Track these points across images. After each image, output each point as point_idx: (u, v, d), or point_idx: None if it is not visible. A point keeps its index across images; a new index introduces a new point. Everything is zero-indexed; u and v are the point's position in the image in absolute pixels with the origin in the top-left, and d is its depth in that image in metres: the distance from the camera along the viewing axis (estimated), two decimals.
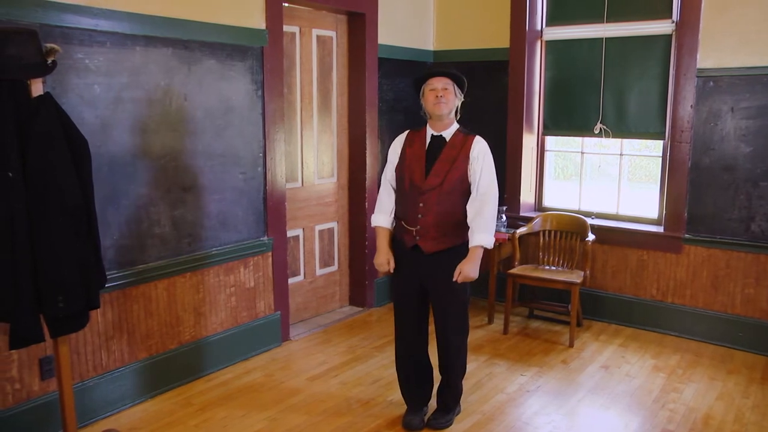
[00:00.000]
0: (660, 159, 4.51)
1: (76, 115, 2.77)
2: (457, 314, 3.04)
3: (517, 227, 4.65)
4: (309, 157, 4.46)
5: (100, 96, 3.02)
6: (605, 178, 4.98)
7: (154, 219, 3.34)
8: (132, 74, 3.15)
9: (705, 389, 3.59)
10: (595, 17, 4.53)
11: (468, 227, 2.92)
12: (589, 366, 3.89)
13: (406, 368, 3.16)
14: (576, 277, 4.25)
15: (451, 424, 3.15)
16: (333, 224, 4.75)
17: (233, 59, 3.63)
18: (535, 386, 3.61)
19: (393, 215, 3.09)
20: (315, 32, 4.39)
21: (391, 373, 3.56)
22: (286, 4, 4.00)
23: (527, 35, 4.74)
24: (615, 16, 4.46)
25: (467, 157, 2.90)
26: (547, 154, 5.04)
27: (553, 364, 3.92)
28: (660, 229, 4.43)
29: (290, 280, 4.34)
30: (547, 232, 4.64)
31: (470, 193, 2.93)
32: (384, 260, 3.08)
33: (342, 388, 3.55)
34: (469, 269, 2.89)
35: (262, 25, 3.78)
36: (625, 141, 4.65)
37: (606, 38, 4.51)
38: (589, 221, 4.51)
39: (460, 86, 2.97)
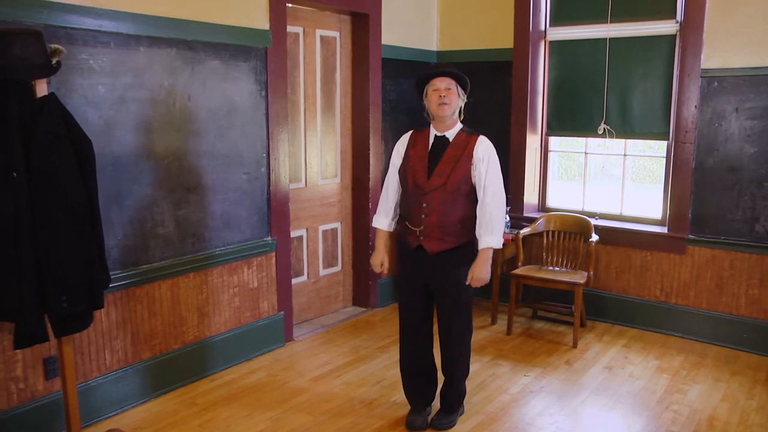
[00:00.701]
0: (664, 159, 4.49)
1: (80, 116, 2.78)
2: (460, 315, 3.03)
3: (521, 228, 4.65)
4: (312, 158, 4.47)
5: (104, 96, 3.03)
6: (609, 179, 4.96)
7: (157, 219, 3.34)
8: (136, 75, 3.15)
9: (709, 390, 3.58)
10: (598, 17, 4.52)
11: (472, 227, 2.92)
12: (592, 367, 3.88)
13: (410, 368, 3.16)
14: (579, 277, 4.24)
15: (454, 425, 3.15)
16: (336, 224, 4.75)
17: (237, 60, 3.64)
18: (539, 387, 3.60)
19: (394, 216, 3.10)
20: (318, 32, 4.39)
21: (395, 373, 3.56)
22: (290, 5, 4.01)
23: (531, 35, 4.74)
24: (619, 17, 4.45)
25: (470, 157, 2.89)
26: (550, 155, 5.03)
27: (556, 364, 3.91)
28: (664, 230, 4.42)
29: (294, 281, 4.35)
30: (550, 233, 4.63)
31: (474, 193, 2.92)
32: (378, 261, 3.11)
33: (345, 388, 3.56)
34: (480, 272, 2.91)
35: (266, 26, 3.78)
36: (629, 141, 4.64)
37: (610, 38, 4.50)
38: (593, 222, 4.51)
39: (463, 86, 2.94)
